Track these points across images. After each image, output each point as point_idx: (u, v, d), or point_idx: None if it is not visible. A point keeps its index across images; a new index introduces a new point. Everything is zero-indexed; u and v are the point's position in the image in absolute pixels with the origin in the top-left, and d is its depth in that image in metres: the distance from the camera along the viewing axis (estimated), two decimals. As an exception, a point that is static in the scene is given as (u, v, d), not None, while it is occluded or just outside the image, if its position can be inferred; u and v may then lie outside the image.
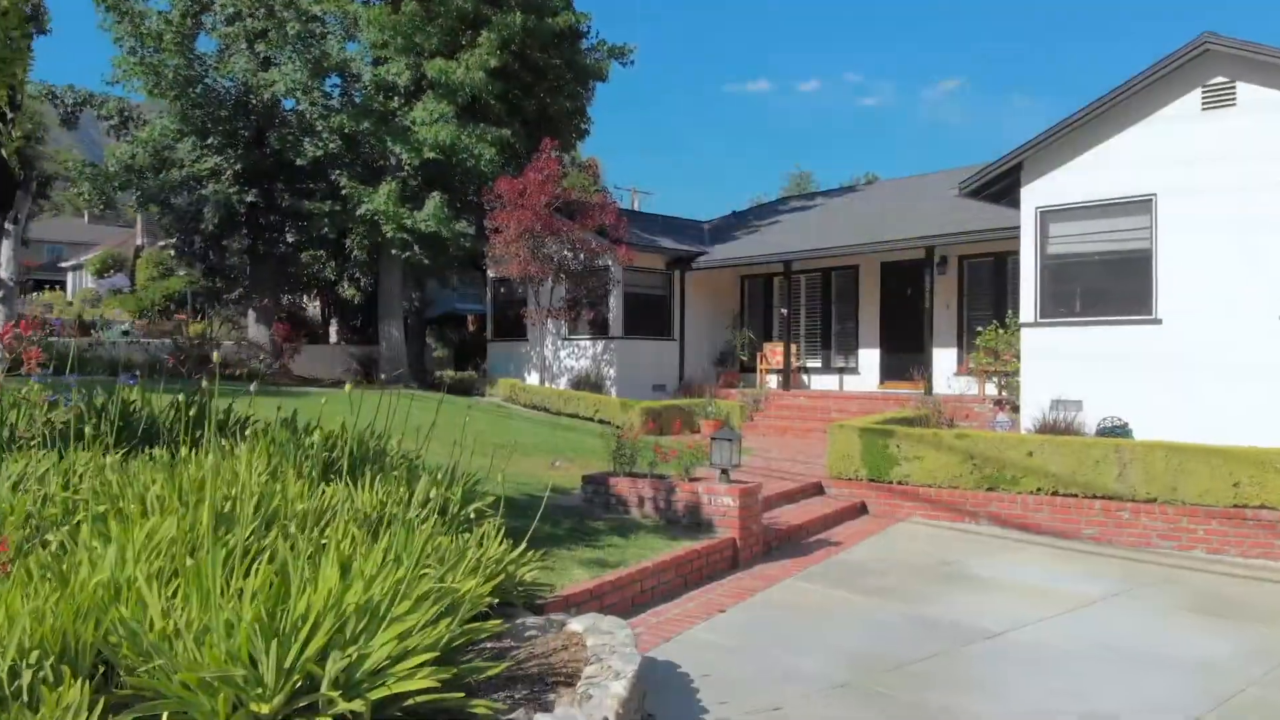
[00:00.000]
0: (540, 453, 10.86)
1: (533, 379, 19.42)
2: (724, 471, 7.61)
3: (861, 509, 10.19)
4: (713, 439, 7.65)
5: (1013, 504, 9.62)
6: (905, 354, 17.37)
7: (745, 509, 7.43)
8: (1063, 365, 11.68)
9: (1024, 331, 12.05)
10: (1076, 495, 9.39)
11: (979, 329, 14.69)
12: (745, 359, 19.55)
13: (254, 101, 18.01)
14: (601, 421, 16.13)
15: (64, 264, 50.20)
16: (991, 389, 15.52)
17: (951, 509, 9.87)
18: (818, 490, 10.45)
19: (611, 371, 18.33)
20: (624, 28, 74.26)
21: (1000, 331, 13.86)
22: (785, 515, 8.96)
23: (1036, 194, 11.98)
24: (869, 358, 17.93)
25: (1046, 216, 11.90)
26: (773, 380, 19.16)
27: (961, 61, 71.98)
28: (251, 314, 19.77)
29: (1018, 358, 13.53)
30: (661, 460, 8.00)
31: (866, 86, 68.45)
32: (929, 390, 15.26)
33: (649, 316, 19.04)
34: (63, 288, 46.73)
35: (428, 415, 12.64)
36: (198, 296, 24.77)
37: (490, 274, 20.41)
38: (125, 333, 19.55)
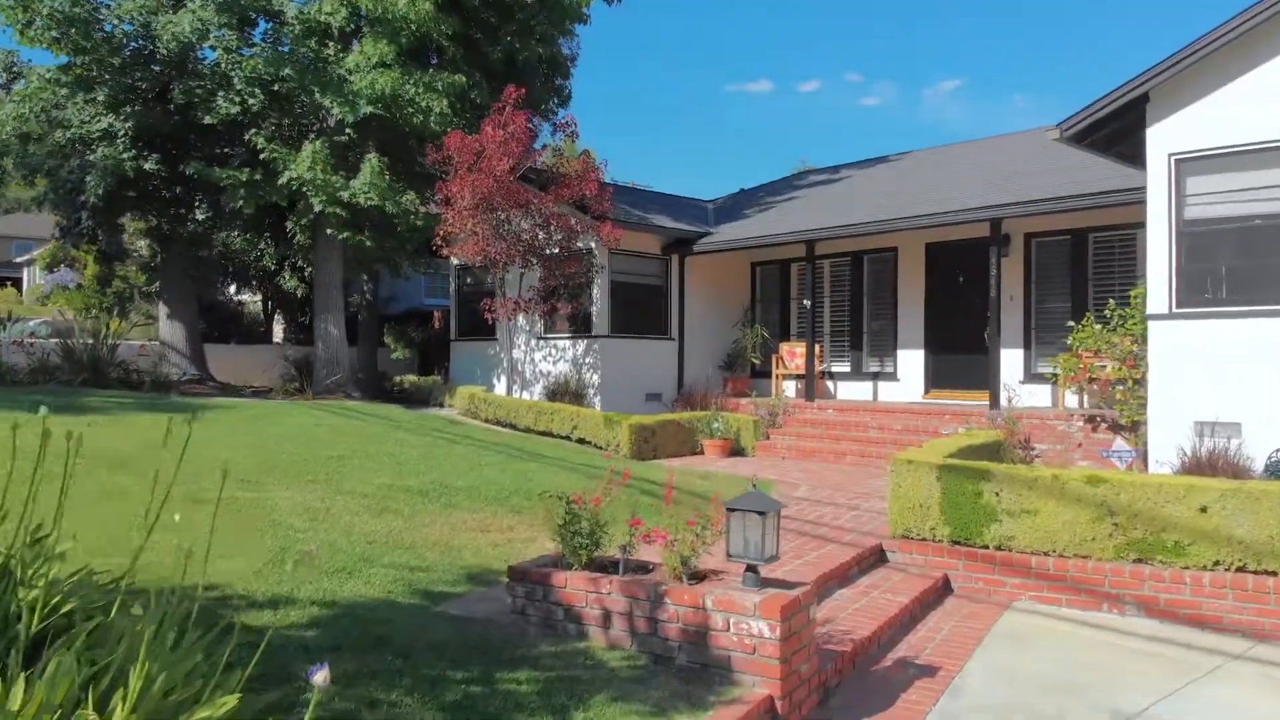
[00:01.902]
0: (478, 501, 7.56)
1: (502, 386, 16.16)
2: (751, 569, 4.33)
3: (944, 587, 6.91)
4: (729, 511, 4.36)
5: (1177, 585, 6.36)
6: (957, 355, 14.08)
7: (790, 640, 4.15)
8: (1211, 373, 8.39)
9: (1153, 327, 8.75)
10: (1277, 574, 6.15)
11: (1071, 324, 11.41)
12: (758, 362, 16.27)
13: (160, 50, 14.70)
14: (580, 441, 12.87)
15: (19, 260, 46.98)
16: (1073, 399, 12.30)
17: (1080, 589, 6.61)
18: (878, 557, 7.18)
19: (595, 378, 15.04)
20: (622, 22, 70.78)
21: (1098, 328, 10.58)
22: (841, 613, 5.67)
23: (1169, 136, 8.69)
24: (911, 361, 14.64)
25: (1184, 167, 8.61)
26: (790, 387, 15.88)
27: (962, 61, 68.68)
28: (163, 309, 16.46)
29: (1122, 361, 10.27)
30: (643, 540, 4.73)
31: (867, 87, 65.05)
32: (995, 403, 11.97)
33: (641, 310, 15.77)
34: (17, 285, 43.55)
35: (341, 440, 9.12)
36: (132, 289, 21.55)
37: (454, 261, 17.13)
38: (38, 332, 16.35)
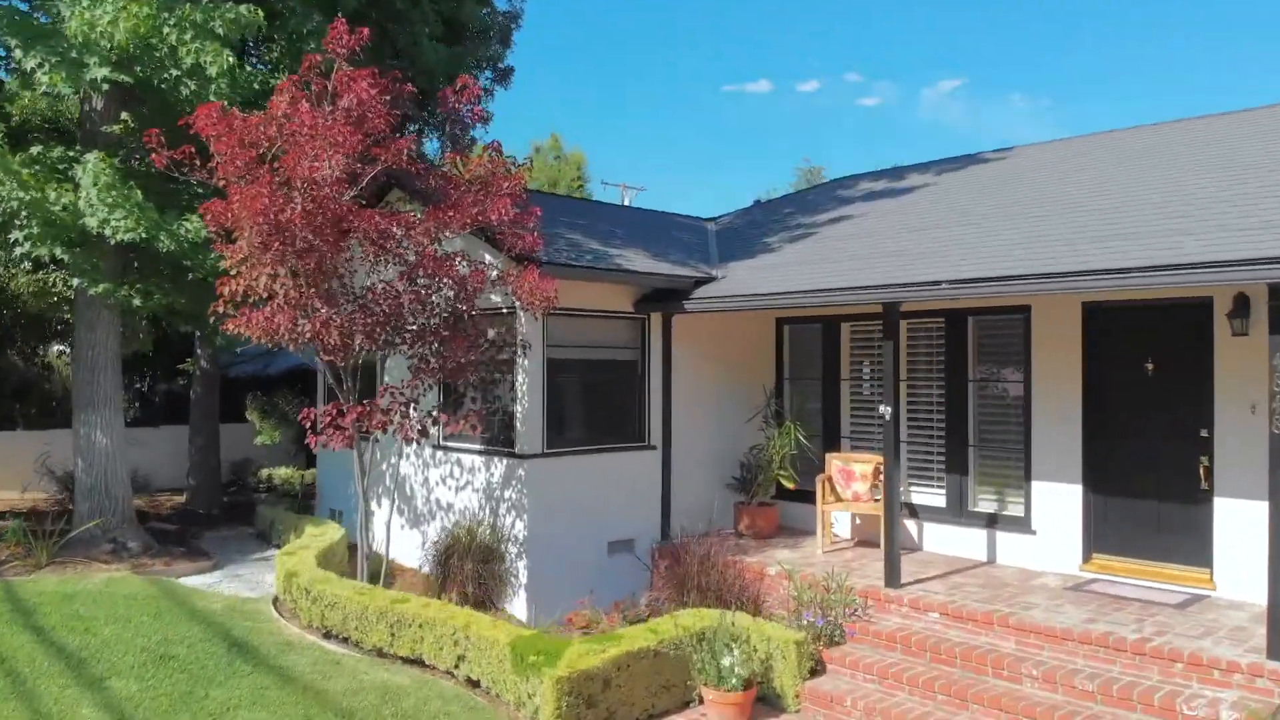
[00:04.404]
0: None
1: (380, 520, 10.12)
2: None
3: None
4: None
5: None
6: (1144, 500, 8.05)
7: None
8: None
9: None
10: None
11: None
12: (790, 482, 10.17)
13: None
14: (471, 684, 6.91)
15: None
16: None
17: None
18: None
19: (519, 525, 8.98)
20: (619, 18, 65.19)
21: None
22: None
23: None
24: (1056, 500, 8.53)
25: None
26: (843, 523, 9.91)
27: (962, 61, 63.69)
28: None
29: None
30: None
31: (866, 87, 59.76)
32: (1277, 651, 5.92)
33: (599, 404, 9.73)
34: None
35: None
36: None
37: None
38: None
